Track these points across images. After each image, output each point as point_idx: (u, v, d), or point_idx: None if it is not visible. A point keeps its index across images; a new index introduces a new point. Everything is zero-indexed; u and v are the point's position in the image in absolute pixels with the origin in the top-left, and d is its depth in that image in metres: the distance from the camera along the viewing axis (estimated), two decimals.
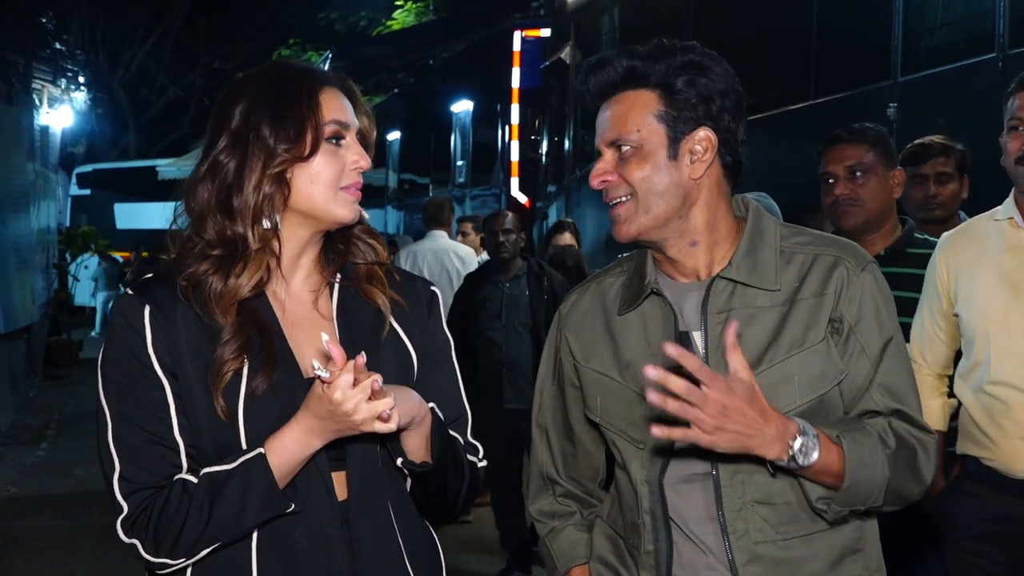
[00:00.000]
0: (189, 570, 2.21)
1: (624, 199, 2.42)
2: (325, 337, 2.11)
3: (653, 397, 2.11)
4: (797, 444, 2.24)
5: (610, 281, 2.62)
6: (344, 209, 2.26)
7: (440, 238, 9.19)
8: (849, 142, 4.07)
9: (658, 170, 2.40)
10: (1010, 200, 3.45)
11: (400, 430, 2.18)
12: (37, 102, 17.65)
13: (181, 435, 2.17)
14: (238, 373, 2.17)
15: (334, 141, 2.24)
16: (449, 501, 2.39)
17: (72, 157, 28.46)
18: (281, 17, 31.43)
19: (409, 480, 2.33)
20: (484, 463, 2.45)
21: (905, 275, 3.86)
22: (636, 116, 2.41)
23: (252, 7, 31.94)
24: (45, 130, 18.20)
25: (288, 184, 2.21)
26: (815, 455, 2.25)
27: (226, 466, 2.14)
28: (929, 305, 3.56)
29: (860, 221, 4.01)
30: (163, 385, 2.17)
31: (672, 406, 2.11)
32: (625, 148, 2.41)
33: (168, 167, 24.44)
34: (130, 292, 2.22)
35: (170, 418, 2.17)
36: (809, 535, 2.42)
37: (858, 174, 4.02)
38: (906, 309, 3.44)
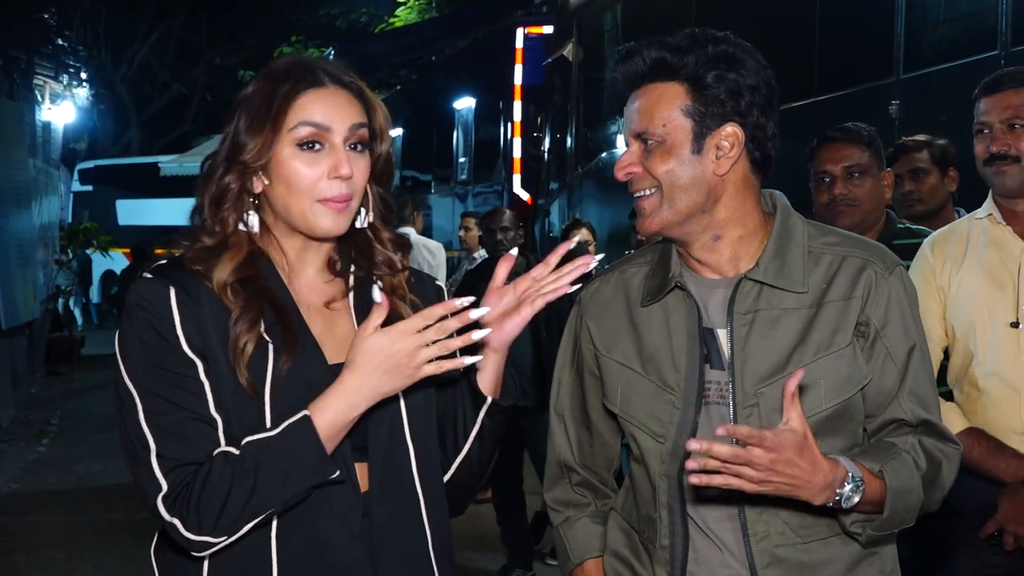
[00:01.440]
0: (205, 564, 2.16)
1: (649, 192, 2.41)
2: (377, 286, 2.21)
3: (692, 464, 2.10)
4: (845, 490, 2.24)
5: (633, 271, 2.60)
6: (324, 221, 2.20)
7: (409, 234, 9.60)
8: (845, 142, 4.10)
9: (682, 164, 2.38)
10: (989, 199, 3.51)
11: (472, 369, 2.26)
12: (39, 98, 17.70)
13: (218, 412, 2.13)
14: (263, 350, 2.14)
15: (307, 147, 2.19)
16: (485, 470, 2.42)
17: (74, 153, 28.52)
18: (283, 14, 31.42)
19: (473, 435, 2.34)
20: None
21: None
22: (662, 110, 2.38)
23: (254, 4, 31.94)
24: (47, 126, 18.25)
25: (251, 187, 2.21)
26: (857, 498, 2.26)
27: (269, 433, 2.10)
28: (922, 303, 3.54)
29: (856, 221, 4.03)
30: (195, 364, 2.12)
31: (713, 464, 2.10)
32: (650, 141, 2.39)
33: (170, 164, 24.43)
34: (149, 276, 2.17)
35: (205, 395, 2.12)
36: (828, 539, 2.42)
37: (855, 175, 4.06)
38: None
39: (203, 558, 2.15)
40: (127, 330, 2.16)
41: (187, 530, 2.08)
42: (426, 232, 10.58)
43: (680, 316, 2.47)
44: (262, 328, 2.15)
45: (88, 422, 12.47)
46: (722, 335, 2.44)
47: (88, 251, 21.20)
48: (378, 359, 2.09)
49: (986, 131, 3.43)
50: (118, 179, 27.87)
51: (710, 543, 2.45)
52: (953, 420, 3.41)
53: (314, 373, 2.17)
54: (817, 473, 2.19)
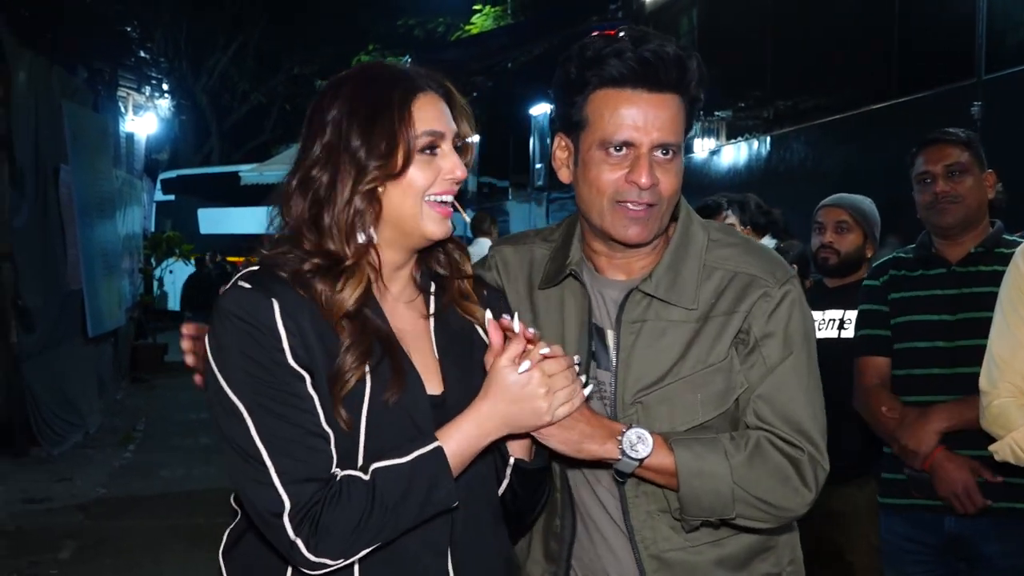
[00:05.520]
0: (289, 570, 2.13)
1: (653, 202, 2.38)
2: (488, 315, 2.21)
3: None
4: (629, 435, 2.28)
5: (540, 251, 2.61)
6: (433, 225, 2.21)
7: (484, 244, 10.67)
8: (946, 142, 4.10)
9: (679, 178, 2.41)
10: None
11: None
12: (123, 109, 17.96)
13: (328, 426, 2.09)
14: (361, 382, 2.11)
15: (428, 151, 2.19)
16: (531, 509, 2.41)
17: (156, 163, 28.86)
18: (361, 24, 31.63)
19: (504, 484, 2.33)
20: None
21: (993, 272, 3.88)
22: (678, 124, 2.39)
23: (332, 14, 32.19)
24: (130, 137, 18.52)
25: (380, 199, 2.17)
26: (644, 449, 2.28)
27: (398, 460, 2.08)
28: (1014, 312, 3.49)
29: (960, 218, 4.03)
30: (303, 377, 2.08)
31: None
32: (667, 155, 2.37)
33: (250, 172, 24.70)
34: (247, 285, 2.10)
35: (316, 409, 2.08)
36: (718, 540, 2.43)
37: (956, 173, 4.05)
38: (992, 305, 3.44)
39: (285, 568, 2.13)
40: (225, 340, 2.09)
41: (309, 551, 2.05)
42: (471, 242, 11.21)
43: (574, 306, 2.48)
44: (368, 366, 2.13)
45: (172, 428, 12.64)
46: (610, 337, 2.45)
47: (171, 259, 21.53)
48: (513, 393, 2.13)
49: None
50: (199, 188, 28.24)
51: (599, 538, 2.48)
52: None
53: (415, 403, 2.16)
54: (598, 420, 2.28)
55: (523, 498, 2.36)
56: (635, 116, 2.34)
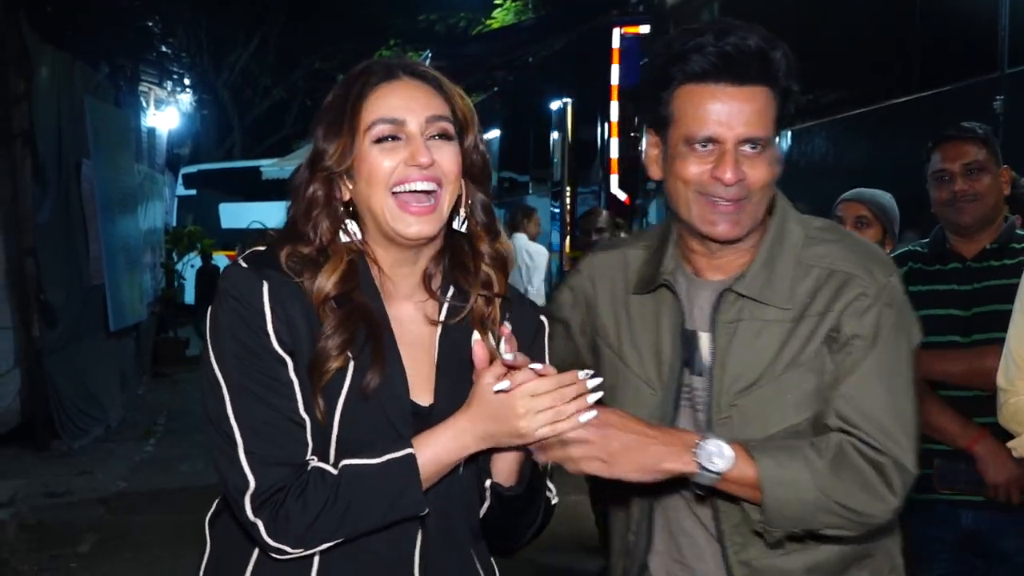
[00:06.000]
0: (255, 551, 2.15)
1: (743, 199, 2.34)
2: (476, 336, 2.15)
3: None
4: (702, 448, 2.20)
5: (634, 253, 2.57)
6: (401, 224, 2.17)
7: (518, 239, 10.93)
8: (963, 139, 4.09)
9: (771, 173, 2.35)
10: None
11: (495, 449, 2.17)
12: (144, 104, 18.01)
13: (306, 412, 2.10)
14: (342, 371, 2.11)
15: (390, 139, 2.17)
16: (519, 533, 2.36)
17: (178, 158, 28.96)
18: (381, 19, 31.63)
19: (486, 503, 2.27)
20: (556, 500, 2.41)
21: (1004, 267, 3.95)
22: (767, 117, 2.33)
23: (353, 10, 32.21)
24: (152, 132, 18.57)
25: (338, 189, 2.19)
26: (723, 462, 2.21)
27: (369, 460, 2.08)
28: None
29: (978, 217, 4.04)
30: (285, 362, 2.09)
31: (561, 427, 2.09)
32: (755, 148, 2.32)
33: (271, 167, 24.73)
34: (244, 264, 2.14)
35: (295, 394, 2.09)
36: (810, 547, 2.37)
37: (974, 171, 4.05)
38: (1008, 297, 3.44)
39: (253, 547, 2.15)
40: (218, 316, 2.13)
41: (267, 535, 2.07)
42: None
43: (668, 314, 2.44)
44: (351, 353, 2.12)
45: (193, 423, 12.67)
46: (704, 339, 2.40)
47: (192, 254, 21.56)
48: (492, 410, 2.08)
49: None
50: (221, 183, 28.27)
51: (687, 544, 2.45)
52: None
53: (393, 401, 2.14)
54: (657, 432, 2.20)
55: (505, 520, 2.30)
56: (719, 111, 2.30)
